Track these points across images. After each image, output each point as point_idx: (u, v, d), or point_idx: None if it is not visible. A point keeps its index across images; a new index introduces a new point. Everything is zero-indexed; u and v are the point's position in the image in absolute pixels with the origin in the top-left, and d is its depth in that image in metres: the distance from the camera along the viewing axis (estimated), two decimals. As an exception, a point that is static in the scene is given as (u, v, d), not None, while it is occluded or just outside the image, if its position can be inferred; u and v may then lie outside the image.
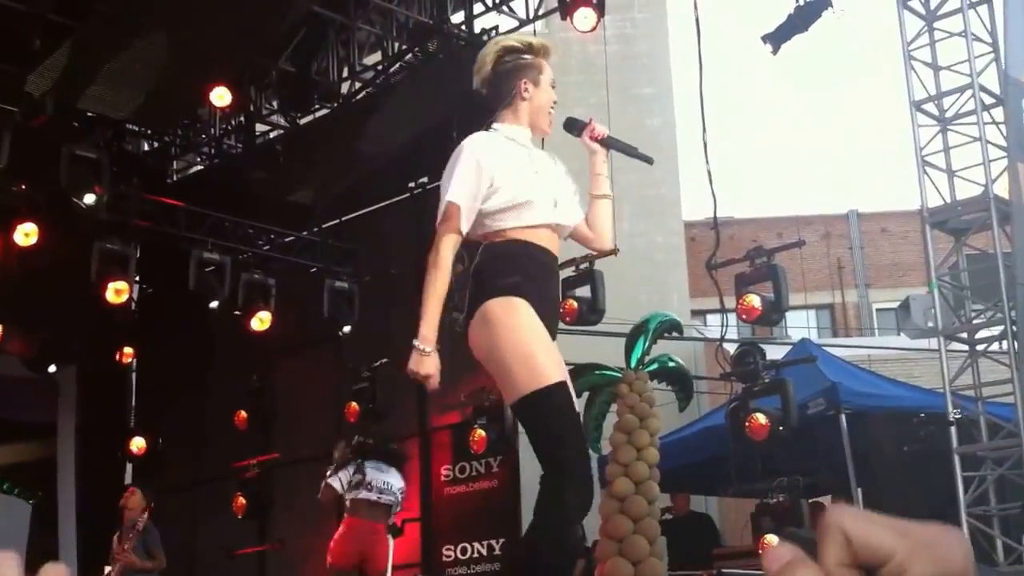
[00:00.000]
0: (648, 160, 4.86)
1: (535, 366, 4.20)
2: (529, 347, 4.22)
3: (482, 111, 12.13)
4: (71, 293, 12.11)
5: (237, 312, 12.00)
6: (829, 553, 0.74)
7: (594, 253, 4.96)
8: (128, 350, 13.92)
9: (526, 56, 4.65)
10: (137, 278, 12.68)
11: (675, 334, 11.34)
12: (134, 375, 14.69)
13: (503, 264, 4.35)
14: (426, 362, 4.24)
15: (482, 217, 4.43)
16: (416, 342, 4.24)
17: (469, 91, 12.29)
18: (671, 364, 10.99)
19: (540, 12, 11.83)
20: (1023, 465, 10.48)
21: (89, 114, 12.01)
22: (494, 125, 4.67)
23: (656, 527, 9.72)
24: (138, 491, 11.38)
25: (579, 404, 11.33)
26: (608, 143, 4.72)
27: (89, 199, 10.89)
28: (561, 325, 10.85)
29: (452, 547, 11.29)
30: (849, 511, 0.76)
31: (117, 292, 11.47)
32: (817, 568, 0.73)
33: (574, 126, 4.74)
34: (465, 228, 4.37)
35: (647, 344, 10.67)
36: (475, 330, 4.30)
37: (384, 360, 11.16)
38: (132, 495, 11.30)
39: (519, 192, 4.43)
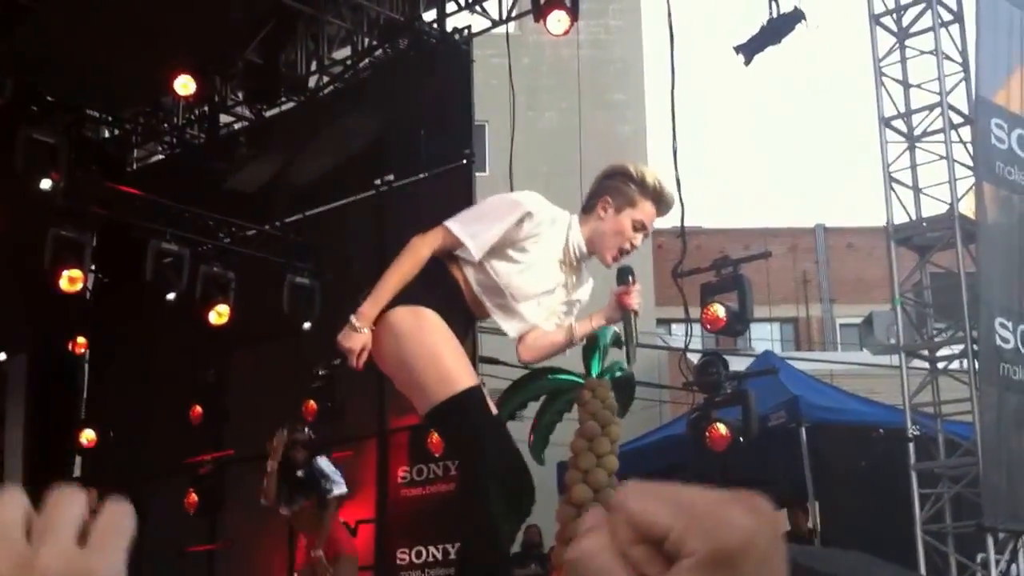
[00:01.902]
0: (630, 359, 4.78)
1: (446, 373, 4.09)
2: (438, 353, 4.11)
3: (450, 110, 12.04)
4: (24, 280, 11.92)
5: (194, 305, 11.83)
6: (616, 533, 0.71)
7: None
8: (81, 340, 13.71)
9: (630, 185, 4.45)
10: (92, 267, 12.49)
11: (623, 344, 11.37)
12: (86, 366, 14.48)
13: (424, 279, 4.25)
14: (354, 337, 4.13)
15: (467, 263, 4.33)
16: (352, 317, 4.14)
17: (438, 90, 12.25)
18: (618, 374, 10.96)
19: (513, 13, 11.74)
20: (979, 484, 10.46)
21: (49, 98, 11.83)
22: (574, 216, 4.52)
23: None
24: (94, 493, 11.22)
25: (532, 409, 11.24)
26: (625, 319, 4.54)
27: (45, 184, 10.72)
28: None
29: (407, 550, 11.18)
30: (635, 488, 0.73)
31: (71, 280, 11.29)
32: (607, 540, 0.71)
33: (623, 277, 4.53)
34: (455, 251, 4.29)
35: (602, 357, 10.63)
36: (379, 338, 4.19)
37: (344, 359, 11.03)
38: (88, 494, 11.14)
39: (508, 278, 4.31)
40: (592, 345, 10.75)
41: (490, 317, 4.48)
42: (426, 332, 4.13)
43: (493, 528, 4.15)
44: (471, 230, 4.26)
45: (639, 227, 4.46)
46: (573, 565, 0.71)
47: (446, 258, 4.34)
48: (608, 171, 4.55)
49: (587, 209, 4.51)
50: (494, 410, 4.33)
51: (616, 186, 4.46)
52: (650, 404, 12.33)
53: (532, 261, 4.33)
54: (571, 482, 9.95)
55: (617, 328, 5.11)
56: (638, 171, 4.49)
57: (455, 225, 4.29)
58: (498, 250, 4.28)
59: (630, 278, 4.49)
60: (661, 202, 4.48)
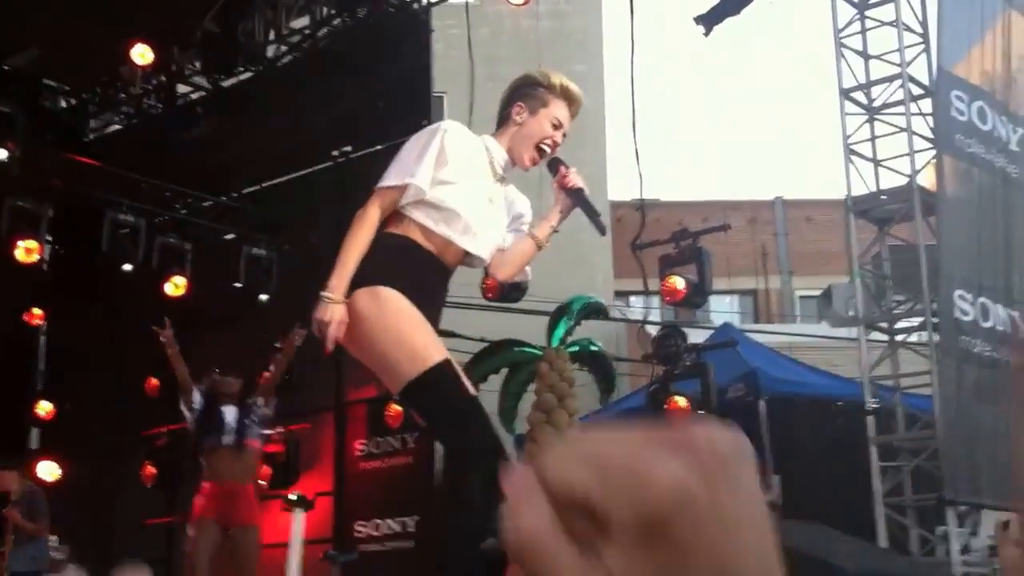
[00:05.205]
0: (601, 230, 4.70)
1: (414, 350, 4.07)
2: (402, 331, 4.09)
3: (409, 81, 11.92)
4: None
5: (151, 276, 11.73)
6: (530, 510, 0.59)
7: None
8: (37, 311, 13.59)
9: (538, 88, 4.57)
10: (49, 238, 12.38)
11: (600, 317, 11.37)
12: (43, 338, 14.34)
13: (378, 254, 4.25)
14: (330, 309, 4.12)
15: (415, 212, 4.35)
16: (323, 292, 4.14)
17: (397, 60, 12.13)
18: (592, 348, 10.93)
19: (473, -17, 11.65)
20: (939, 456, 10.51)
21: (5, 68, 11.67)
22: (486, 135, 4.56)
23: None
24: (9, 474, 11.02)
25: (497, 381, 11.18)
26: (574, 195, 4.57)
27: (1, 155, 10.60)
28: (483, 302, 10.79)
29: (365, 523, 11.16)
30: (552, 447, 0.60)
31: (27, 252, 11.22)
32: (545, 513, 0.59)
33: (554, 167, 4.61)
34: (400, 204, 4.28)
35: (570, 325, 10.60)
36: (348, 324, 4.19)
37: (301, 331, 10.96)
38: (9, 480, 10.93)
39: (454, 199, 4.31)
40: (559, 314, 10.76)
41: (464, 260, 4.51)
42: (388, 313, 4.11)
43: (471, 500, 4.14)
44: (407, 171, 4.32)
45: (557, 125, 4.55)
46: (515, 549, 0.60)
47: (393, 224, 4.34)
48: (515, 82, 4.65)
49: (502, 121, 4.60)
50: (470, 389, 4.29)
51: (526, 92, 4.57)
52: (610, 376, 12.32)
53: (462, 176, 4.39)
54: (530, 456, 9.95)
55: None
56: (543, 74, 4.62)
57: (389, 179, 4.35)
58: (434, 178, 4.34)
59: (560, 166, 4.60)
60: (571, 100, 4.58)
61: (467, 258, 4.50)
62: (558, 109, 4.54)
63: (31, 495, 10.99)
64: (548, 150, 4.55)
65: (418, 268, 4.31)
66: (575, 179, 4.56)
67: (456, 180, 4.34)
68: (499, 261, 4.63)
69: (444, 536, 4.38)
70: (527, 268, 4.78)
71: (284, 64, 12.67)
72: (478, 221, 4.40)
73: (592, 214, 4.61)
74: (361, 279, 4.18)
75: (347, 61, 11.81)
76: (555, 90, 4.54)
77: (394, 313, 4.11)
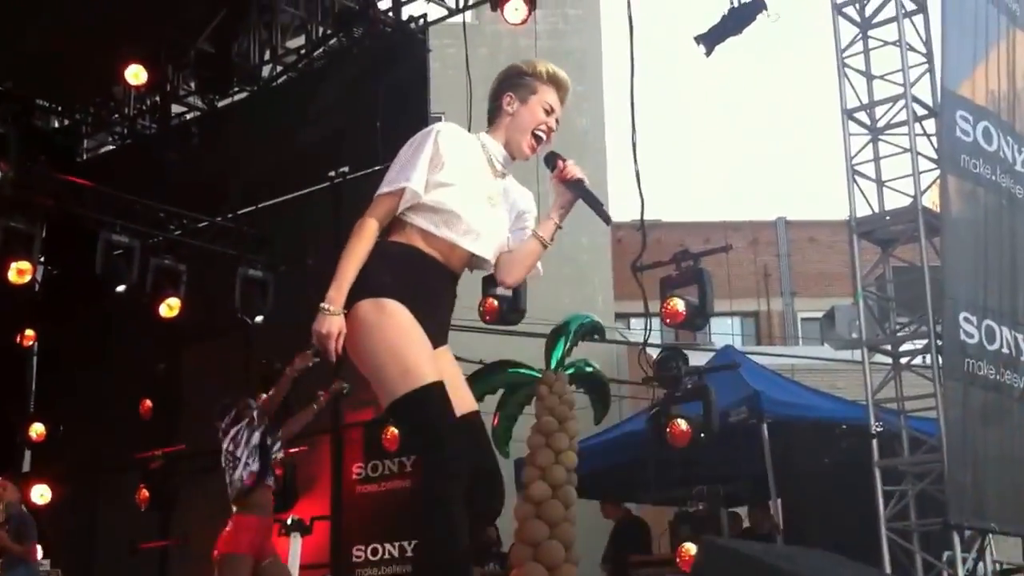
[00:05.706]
0: (607, 220, 4.57)
1: (407, 367, 3.99)
2: (399, 347, 4.00)
3: (406, 101, 11.82)
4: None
5: (145, 298, 11.64)
6: None
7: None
8: (29, 332, 13.57)
9: (525, 77, 4.46)
10: (42, 258, 12.31)
11: (597, 336, 11.25)
12: (35, 358, 14.28)
13: (382, 264, 4.15)
14: (329, 320, 4.02)
15: (415, 217, 4.23)
16: (322, 304, 4.02)
17: (394, 80, 12.03)
18: (588, 369, 10.78)
19: (470, 2, 11.57)
20: (944, 480, 10.36)
21: (-3, 87, 11.62)
22: (479, 133, 4.46)
23: (572, 532, 9.51)
24: (9, 484, 10.96)
25: (492, 402, 10.99)
26: (575, 187, 4.45)
27: (-7, 175, 10.53)
28: (482, 324, 10.66)
29: (363, 547, 11.07)
30: None
31: (20, 272, 11.17)
32: None
33: (551, 161, 4.49)
34: (399, 211, 4.17)
35: (567, 345, 10.47)
36: (347, 332, 4.08)
37: (298, 352, 10.86)
38: (4, 489, 10.86)
39: (453, 201, 4.20)
40: (557, 334, 10.64)
41: (470, 262, 4.39)
42: (389, 327, 4.02)
43: (452, 526, 4.01)
44: (402, 176, 4.22)
45: (548, 110, 4.45)
46: None
47: (396, 232, 4.23)
48: (500, 75, 4.55)
49: (493, 115, 4.51)
50: (457, 414, 4.18)
51: (513, 82, 4.47)
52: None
53: (460, 177, 4.28)
54: (529, 479, 9.78)
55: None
56: (528, 63, 4.53)
57: (385, 186, 4.23)
58: (431, 181, 4.20)
59: (558, 160, 4.45)
60: (559, 85, 4.48)
61: (472, 260, 4.40)
62: (547, 95, 4.45)
63: (19, 517, 10.89)
64: (543, 136, 4.44)
65: (422, 277, 4.22)
66: (574, 170, 4.44)
67: (454, 181, 4.24)
68: (507, 265, 4.53)
69: (426, 562, 4.25)
70: (539, 264, 4.66)
71: (279, 84, 12.62)
72: (479, 221, 4.30)
73: (595, 204, 4.48)
74: (365, 289, 4.08)
75: (343, 81, 11.77)
76: (542, 77, 4.44)
77: (395, 327, 4.03)
